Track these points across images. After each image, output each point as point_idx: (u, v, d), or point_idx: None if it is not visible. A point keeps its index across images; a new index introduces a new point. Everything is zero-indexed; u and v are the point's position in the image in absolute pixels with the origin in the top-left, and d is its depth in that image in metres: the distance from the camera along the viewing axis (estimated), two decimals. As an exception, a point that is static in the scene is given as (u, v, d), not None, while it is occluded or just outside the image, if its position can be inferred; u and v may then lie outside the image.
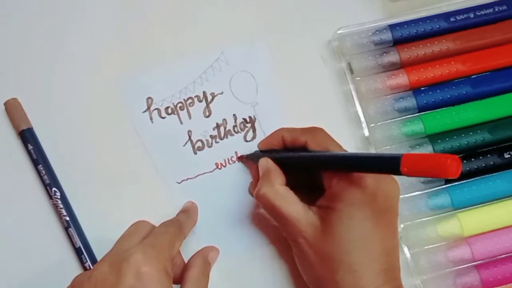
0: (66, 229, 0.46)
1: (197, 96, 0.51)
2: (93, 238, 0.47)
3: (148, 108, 0.50)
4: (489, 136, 0.48)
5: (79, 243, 0.46)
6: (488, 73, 0.50)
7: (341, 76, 0.51)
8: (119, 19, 0.52)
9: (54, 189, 0.47)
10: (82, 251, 0.46)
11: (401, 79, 0.49)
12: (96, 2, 0.52)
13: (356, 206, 0.38)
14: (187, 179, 0.49)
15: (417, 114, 0.49)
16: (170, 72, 0.51)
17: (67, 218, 0.47)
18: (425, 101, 0.48)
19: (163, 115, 0.50)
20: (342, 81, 0.51)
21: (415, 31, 0.50)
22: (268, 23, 0.53)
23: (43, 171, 0.47)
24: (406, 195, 0.47)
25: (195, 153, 0.50)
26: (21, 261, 0.46)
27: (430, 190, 0.47)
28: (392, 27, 0.50)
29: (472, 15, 0.51)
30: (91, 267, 0.45)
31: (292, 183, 0.42)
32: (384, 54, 0.49)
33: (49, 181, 0.47)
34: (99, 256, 0.46)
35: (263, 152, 0.48)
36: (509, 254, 0.46)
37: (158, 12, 0.52)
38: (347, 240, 0.37)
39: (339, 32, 0.50)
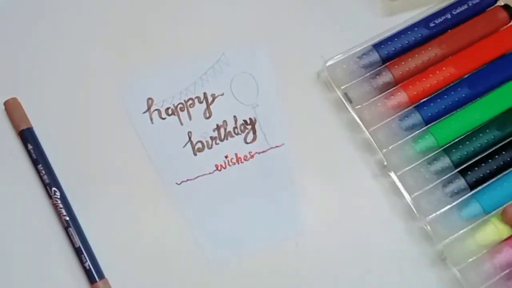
0: (65, 229, 0.46)
1: (197, 97, 0.51)
2: (93, 238, 0.47)
3: (148, 108, 0.50)
4: (499, 133, 0.48)
5: (78, 243, 0.46)
6: (480, 69, 0.50)
7: (339, 105, 0.51)
8: (120, 19, 0.52)
9: (54, 188, 0.47)
10: (82, 250, 0.46)
11: (400, 97, 0.49)
12: (96, 3, 0.52)
13: None
14: (187, 180, 0.49)
15: (425, 128, 0.49)
16: (170, 73, 0.51)
17: (67, 218, 0.46)
18: (430, 114, 0.48)
19: (163, 116, 0.50)
20: (340, 109, 0.51)
21: (400, 45, 0.50)
22: (270, 24, 0.53)
23: (43, 171, 0.47)
24: (438, 213, 0.47)
25: (195, 154, 0.50)
26: (21, 260, 0.46)
27: (458, 201, 0.47)
28: (376, 46, 0.50)
29: (449, 16, 0.51)
30: (91, 267, 0.45)
31: None
32: (377, 77, 0.49)
33: (49, 181, 0.47)
34: (98, 256, 0.46)
35: None
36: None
37: (159, 13, 0.53)
38: None
39: (327, 64, 0.50)
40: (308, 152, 0.50)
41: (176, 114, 0.50)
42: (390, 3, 0.54)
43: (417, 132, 0.49)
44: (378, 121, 0.49)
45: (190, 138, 0.50)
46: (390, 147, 0.48)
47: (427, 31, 0.50)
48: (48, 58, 0.51)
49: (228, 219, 0.48)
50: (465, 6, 0.51)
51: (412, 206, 0.47)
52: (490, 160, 0.47)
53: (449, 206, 0.47)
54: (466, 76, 0.50)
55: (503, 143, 0.48)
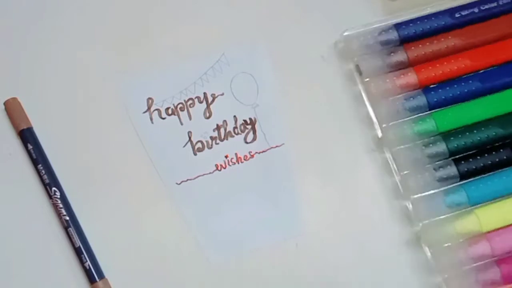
0: (65, 228, 0.46)
1: (197, 97, 0.51)
2: (93, 238, 0.46)
3: (148, 108, 0.50)
4: (501, 131, 0.47)
5: (78, 243, 0.45)
6: (496, 67, 0.50)
7: (350, 78, 0.51)
8: (120, 19, 0.52)
9: (53, 188, 0.47)
10: (82, 250, 0.45)
11: (410, 78, 0.49)
12: (96, 3, 0.52)
13: None
14: (187, 180, 0.49)
15: (428, 112, 0.49)
16: (170, 72, 0.51)
17: (67, 218, 0.46)
18: (436, 99, 0.48)
19: (163, 116, 0.50)
20: (350, 82, 0.51)
21: (421, 29, 0.50)
22: (270, 24, 0.52)
23: (43, 171, 0.47)
24: (423, 194, 0.47)
25: (195, 154, 0.50)
26: (21, 260, 0.46)
27: (446, 187, 0.47)
28: (397, 26, 0.50)
29: (476, 10, 0.50)
30: (91, 267, 0.45)
31: None
32: (392, 54, 0.49)
33: (49, 181, 0.47)
34: (98, 256, 0.46)
35: None
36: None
37: (159, 12, 0.52)
38: None
39: (345, 34, 0.50)
40: (308, 152, 0.50)
41: (176, 114, 0.50)
42: (390, 3, 0.53)
43: (420, 114, 0.49)
44: (383, 97, 0.49)
45: (190, 138, 0.50)
46: (390, 124, 0.49)
47: (451, 21, 0.50)
48: (48, 58, 0.51)
49: (228, 219, 0.48)
50: (494, 4, 0.51)
51: (399, 184, 0.47)
52: (486, 155, 0.47)
53: (435, 190, 0.47)
54: (480, 70, 0.49)
55: (503, 142, 0.48)
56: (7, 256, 0.46)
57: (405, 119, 0.49)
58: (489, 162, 0.47)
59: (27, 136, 0.48)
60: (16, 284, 0.46)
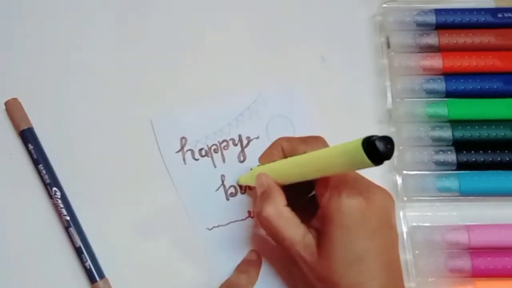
0: (66, 228, 0.45)
1: (232, 139, 0.47)
2: (93, 238, 0.45)
3: (182, 148, 0.46)
4: (511, 134, 0.47)
5: (79, 243, 0.44)
6: None
7: (376, 53, 0.51)
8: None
9: (54, 188, 0.45)
10: (83, 250, 0.44)
11: (436, 62, 0.49)
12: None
13: (346, 229, 0.36)
14: (218, 226, 0.45)
15: (444, 98, 0.49)
16: (206, 112, 0.48)
17: (68, 218, 0.45)
18: (455, 87, 0.48)
19: (196, 157, 0.46)
20: (378, 56, 0.51)
21: (460, 19, 0.50)
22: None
23: (44, 171, 0.46)
24: (415, 172, 0.47)
25: (228, 199, 0.46)
26: (22, 260, 0.45)
27: (440, 172, 0.46)
28: (437, 11, 0.51)
29: None
30: (91, 266, 0.44)
31: (289, 198, 0.39)
32: (424, 35, 0.50)
33: (50, 181, 0.46)
34: (99, 256, 0.45)
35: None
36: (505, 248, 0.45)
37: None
38: (341, 263, 0.36)
39: (384, 5, 0.51)
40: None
41: (209, 155, 0.46)
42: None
43: (434, 99, 0.49)
44: (404, 73, 0.49)
45: (223, 181, 0.46)
46: (404, 99, 0.49)
47: (492, 19, 0.50)
48: (48, 59, 0.49)
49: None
50: None
51: (395, 158, 0.47)
52: (489, 151, 0.47)
53: (430, 172, 0.47)
54: (507, 73, 0.49)
55: (510, 144, 0.47)
56: (8, 256, 0.45)
57: (420, 99, 0.49)
58: (490, 159, 0.46)
59: (27, 136, 0.47)
60: (16, 284, 0.45)
